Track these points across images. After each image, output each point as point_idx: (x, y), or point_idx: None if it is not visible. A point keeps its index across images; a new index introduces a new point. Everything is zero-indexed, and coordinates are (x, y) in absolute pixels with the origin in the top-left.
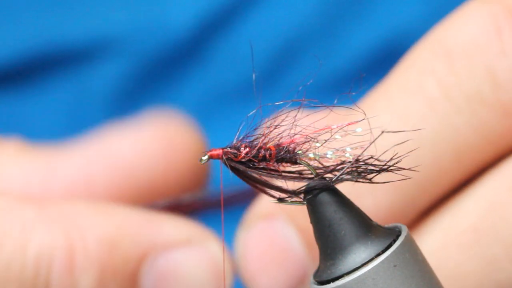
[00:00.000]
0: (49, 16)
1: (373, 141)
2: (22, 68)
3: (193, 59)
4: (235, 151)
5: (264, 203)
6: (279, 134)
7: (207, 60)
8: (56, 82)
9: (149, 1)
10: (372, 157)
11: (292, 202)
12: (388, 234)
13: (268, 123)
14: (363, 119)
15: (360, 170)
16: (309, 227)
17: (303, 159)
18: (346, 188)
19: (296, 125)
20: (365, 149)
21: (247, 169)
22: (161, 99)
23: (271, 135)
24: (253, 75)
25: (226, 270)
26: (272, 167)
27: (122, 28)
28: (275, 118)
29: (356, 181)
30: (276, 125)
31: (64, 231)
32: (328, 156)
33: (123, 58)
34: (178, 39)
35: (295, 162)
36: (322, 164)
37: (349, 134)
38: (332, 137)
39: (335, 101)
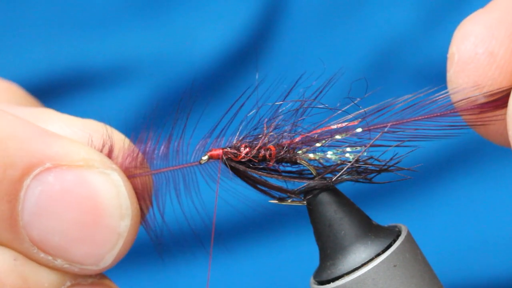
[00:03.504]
0: (71, 40)
1: (373, 141)
2: (41, 90)
3: (216, 90)
4: (235, 151)
5: None
6: (279, 134)
7: (230, 93)
8: (75, 106)
9: (176, 30)
10: (372, 157)
11: (292, 202)
12: (388, 234)
13: (268, 123)
14: (363, 119)
15: (360, 170)
16: None
17: (303, 159)
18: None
19: (296, 125)
20: (365, 149)
21: (247, 169)
22: (179, 129)
23: (271, 135)
24: (256, 74)
25: (127, 204)
26: (272, 167)
27: (145, 54)
28: (275, 118)
29: (356, 181)
30: (276, 125)
31: None
32: (328, 156)
33: (144, 85)
34: (202, 69)
35: (295, 162)
36: (322, 164)
37: (349, 134)
38: (332, 137)
39: (338, 105)
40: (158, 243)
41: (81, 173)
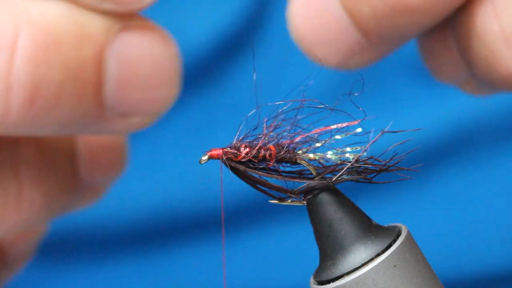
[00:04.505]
0: None
1: (373, 141)
2: None
3: (207, 78)
4: (235, 151)
5: None
6: (279, 134)
7: (221, 80)
8: None
9: (164, 17)
10: (372, 157)
11: (292, 202)
12: (388, 234)
13: (268, 123)
14: (363, 119)
15: (360, 170)
16: None
17: (303, 159)
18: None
19: (296, 125)
20: (364, 149)
21: (247, 169)
22: (169, 116)
23: (271, 135)
24: (254, 75)
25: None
26: (272, 167)
27: None
28: (275, 118)
29: (356, 181)
30: (276, 125)
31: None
32: (328, 156)
33: None
34: (192, 57)
35: (295, 162)
36: (322, 164)
37: (349, 134)
38: (332, 137)
39: (336, 102)
40: None
41: None
